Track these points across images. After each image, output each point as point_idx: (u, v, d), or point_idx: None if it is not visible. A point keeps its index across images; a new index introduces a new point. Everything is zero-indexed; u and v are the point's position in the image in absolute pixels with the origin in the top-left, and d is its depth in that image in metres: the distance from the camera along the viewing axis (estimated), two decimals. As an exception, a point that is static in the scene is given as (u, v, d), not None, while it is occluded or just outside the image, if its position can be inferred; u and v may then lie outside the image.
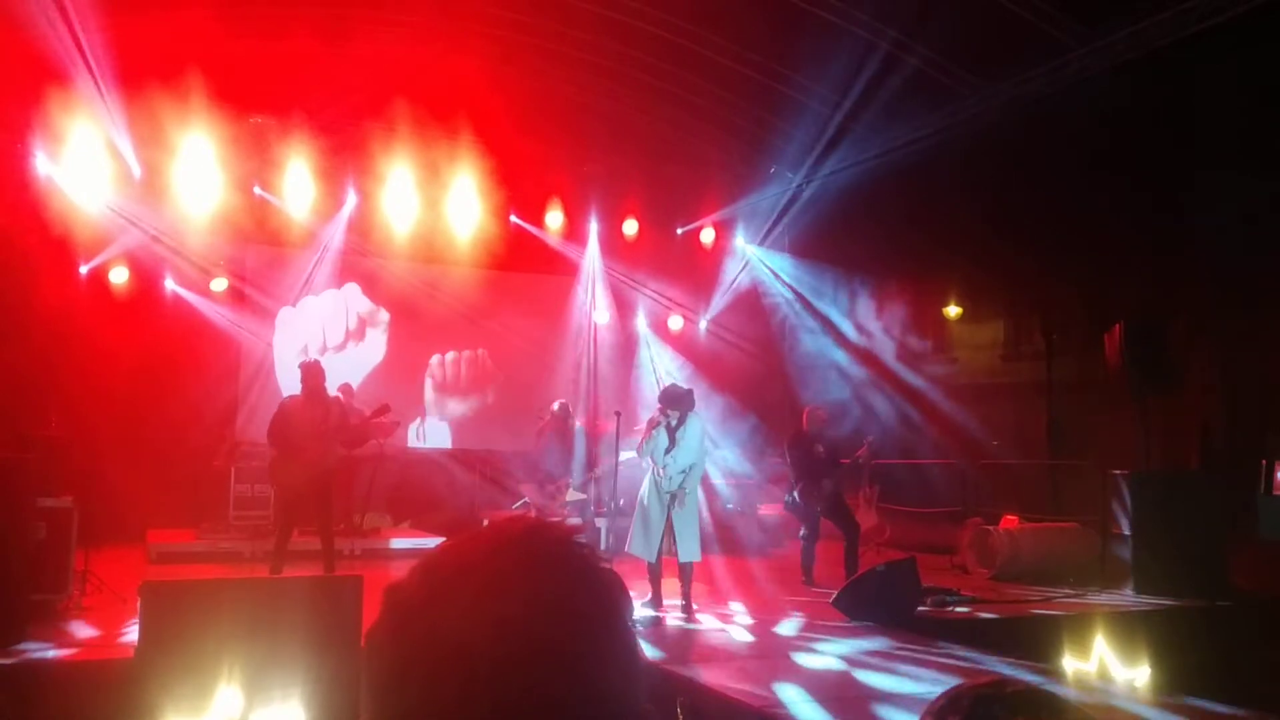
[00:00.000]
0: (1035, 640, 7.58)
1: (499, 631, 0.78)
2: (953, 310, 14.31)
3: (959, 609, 8.68)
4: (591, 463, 11.87)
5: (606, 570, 0.87)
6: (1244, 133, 9.76)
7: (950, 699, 1.20)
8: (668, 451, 8.28)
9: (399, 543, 11.63)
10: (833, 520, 10.09)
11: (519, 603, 0.80)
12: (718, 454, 12.42)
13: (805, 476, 10.02)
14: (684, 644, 7.34)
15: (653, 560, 8.38)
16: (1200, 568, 9.20)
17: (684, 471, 8.33)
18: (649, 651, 6.89)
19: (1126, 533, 9.77)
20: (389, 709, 0.81)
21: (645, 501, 8.42)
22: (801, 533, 10.21)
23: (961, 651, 7.11)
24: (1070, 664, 6.98)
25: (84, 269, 12.41)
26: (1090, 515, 10.72)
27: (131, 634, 6.09)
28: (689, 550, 8.36)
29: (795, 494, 10.07)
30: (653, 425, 8.40)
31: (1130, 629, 7.58)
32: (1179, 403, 10.57)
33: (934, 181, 12.58)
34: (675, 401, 8.43)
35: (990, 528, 10.80)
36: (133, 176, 12.25)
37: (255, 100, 12.06)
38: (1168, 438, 10.62)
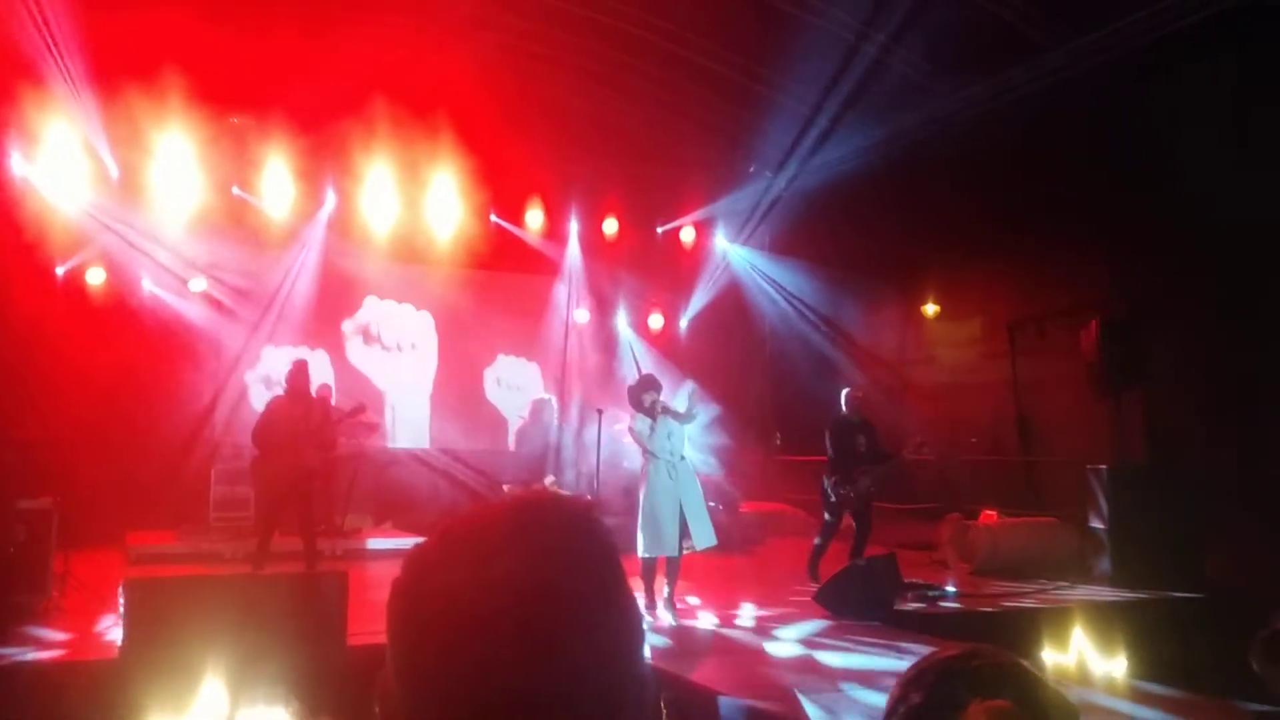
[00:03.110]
0: (1014, 634, 7.65)
1: (500, 586, 0.82)
2: (931, 308, 14.41)
3: (939, 604, 8.75)
4: (573, 460, 11.90)
5: (611, 545, 0.90)
6: (1220, 131, 9.87)
7: (916, 673, 1.18)
8: (670, 436, 8.28)
9: (380, 543, 11.58)
10: (854, 516, 9.61)
11: (522, 561, 0.83)
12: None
13: (841, 468, 9.45)
14: (668, 640, 7.36)
15: (675, 554, 8.25)
16: (1176, 560, 9.31)
17: (684, 456, 8.35)
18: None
19: (1104, 526, 9.87)
20: (401, 657, 0.85)
21: (654, 499, 8.21)
22: (824, 526, 9.66)
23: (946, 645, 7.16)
24: (1049, 657, 7.06)
25: (60, 270, 12.29)
26: (1068, 510, 10.81)
27: (113, 635, 6.07)
28: (706, 535, 8.25)
29: (829, 485, 9.48)
30: (658, 412, 8.30)
31: (1108, 621, 7.65)
32: (1153, 397, 10.68)
33: (912, 180, 12.67)
34: (654, 385, 8.49)
35: (969, 523, 10.89)
36: (110, 177, 12.17)
37: (234, 100, 12.00)
38: (1143, 432, 10.73)
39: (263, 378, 13.63)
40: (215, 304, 13.22)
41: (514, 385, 15.42)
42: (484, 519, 0.89)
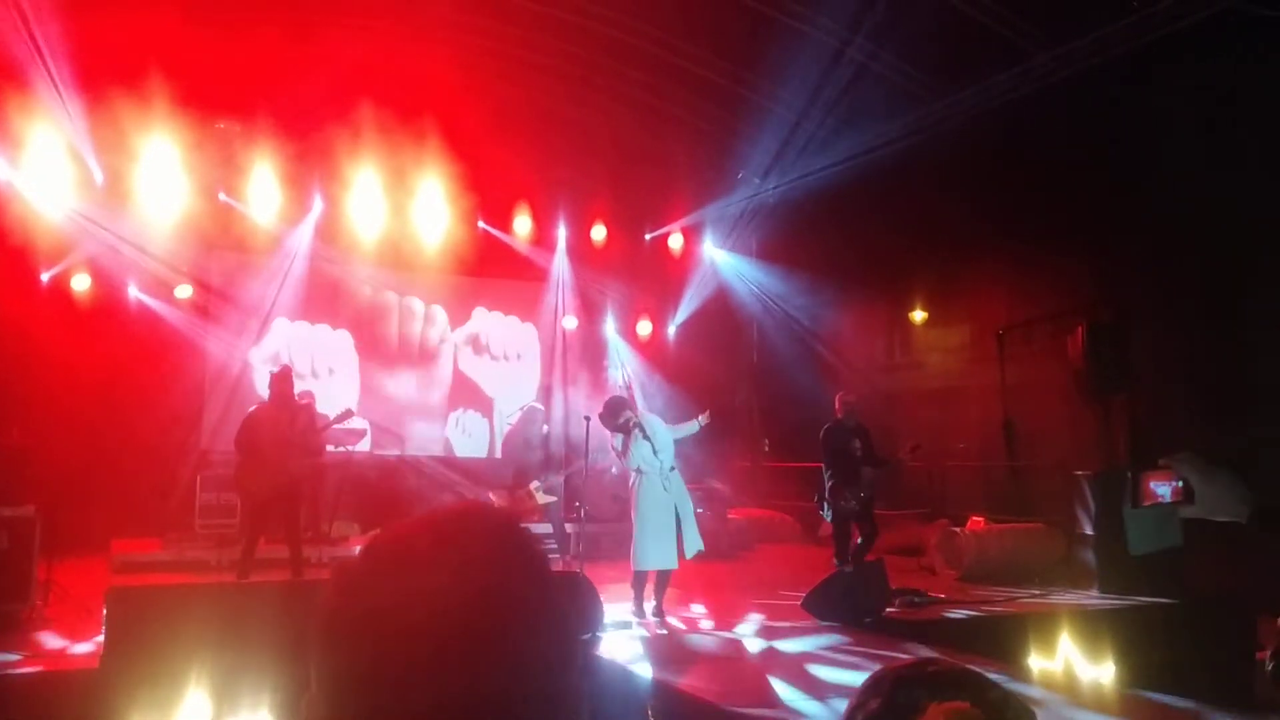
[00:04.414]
0: (1002, 640, 7.66)
1: (427, 601, 0.81)
2: (919, 314, 14.44)
3: (927, 610, 8.75)
4: (560, 466, 11.87)
5: (539, 552, 0.91)
6: (1205, 136, 9.92)
7: (873, 682, 1.20)
8: (656, 452, 8.26)
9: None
10: (856, 522, 9.53)
11: (448, 575, 0.83)
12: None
13: (839, 474, 9.32)
14: (655, 648, 7.34)
15: (672, 566, 8.23)
16: (1162, 566, 9.32)
17: (674, 467, 8.34)
18: (624, 658, 6.90)
19: (1090, 532, 9.89)
20: (327, 672, 0.84)
21: (650, 512, 8.17)
22: (836, 554, 9.43)
23: (928, 652, 7.17)
24: (1036, 662, 7.07)
25: (45, 276, 12.23)
26: (1055, 515, 10.84)
27: (97, 644, 6.02)
28: (695, 541, 8.22)
29: (825, 494, 9.32)
30: (630, 429, 8.31)
31: (1095, 627, 7.68)
32: (1139, 402, 10.72)
33: (899, 186, 12.69)
34: (622, 405, 8.48)
35: (957, 529, 10.90)
36: (95, 182, 12.10)
37: (219, 105, 11.96)
38: (1129, 437, 10.76)
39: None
40: (202, 310, 13.17)
41: (499, 355, 15.30)
42: (409, 534, 0.88)
